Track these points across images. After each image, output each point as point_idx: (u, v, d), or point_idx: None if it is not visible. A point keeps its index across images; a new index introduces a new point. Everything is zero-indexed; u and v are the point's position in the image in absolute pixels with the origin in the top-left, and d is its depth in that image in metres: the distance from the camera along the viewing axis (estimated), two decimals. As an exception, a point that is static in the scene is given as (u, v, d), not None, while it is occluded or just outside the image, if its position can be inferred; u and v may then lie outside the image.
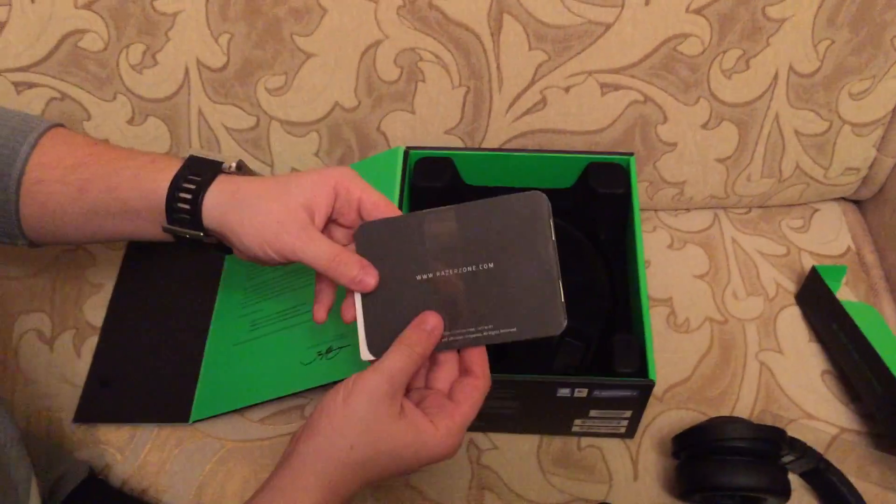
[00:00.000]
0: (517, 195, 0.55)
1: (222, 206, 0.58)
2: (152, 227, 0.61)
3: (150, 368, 0.85)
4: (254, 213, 0.57)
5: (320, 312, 0.61)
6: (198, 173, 0.59)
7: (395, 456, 0.53)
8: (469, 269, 0.55)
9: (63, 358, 0.87)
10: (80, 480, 0.76)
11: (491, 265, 0.55)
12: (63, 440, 0.82)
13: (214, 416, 0.81)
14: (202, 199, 0.58)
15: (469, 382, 0.56)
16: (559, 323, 0.55)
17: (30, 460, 0.64)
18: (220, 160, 0.60)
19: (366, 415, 0.52)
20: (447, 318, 0.56)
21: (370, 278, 0.56)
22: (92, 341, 0.88)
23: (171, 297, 0.90)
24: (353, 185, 0.58)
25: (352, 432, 0.52)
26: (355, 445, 0.52)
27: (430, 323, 0.55)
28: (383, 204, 0.58)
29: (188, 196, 0.58)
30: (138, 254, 0.94)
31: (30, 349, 0.87)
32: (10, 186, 0.61)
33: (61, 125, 0.65)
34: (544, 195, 0.55)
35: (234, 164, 0.61)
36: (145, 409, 0.82)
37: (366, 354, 0.57)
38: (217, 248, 0.63)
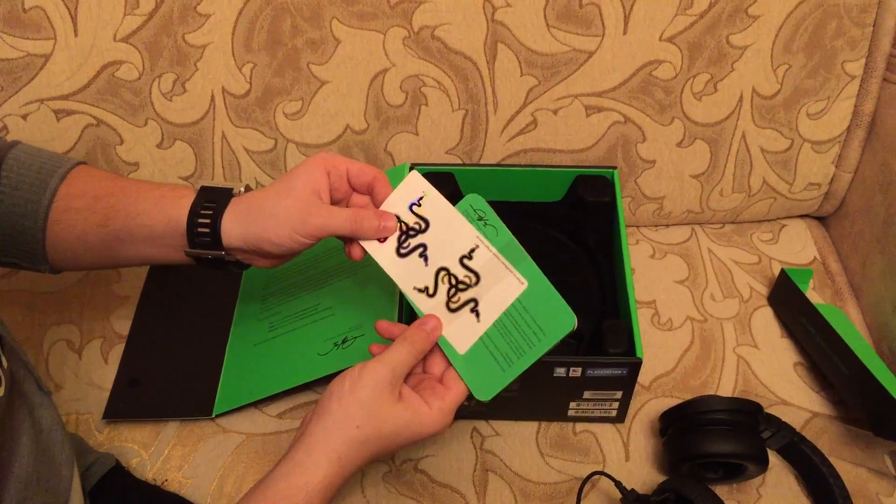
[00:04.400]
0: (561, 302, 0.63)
1: (242, 222, 0.66)
2: (173, 251, 0.69)
3: (174, 369, 0.91)
4: (275, 214, 0.65)
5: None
6: (212, 200, 0.67)
7: (395, 433, 0.61)
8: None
9: (91, 364, 0.92)
10: (107, 471, 0.81)
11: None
12: (91, 439, 0.86)
13: (234, 412, 0.87)
14: (220, 222, 0.66)
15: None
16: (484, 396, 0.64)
17: (71, 445, 0.70)
18: (229, 187, 0.69)
19: (370, 400, 0.60)
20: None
21: (390, 222, 0.66)
22: (119, 349, 0.93)
23: (193, 306, 0.97)
24: (338, 161, 0.67)
25: (358, 414, 0.60)
26: (361, 425, 0.60)
27: (430, 324, 0.65)
28: (367, 168, 0.68)
29: (206, 221, 0.66)
30: (162, 269, 1.00)
31: (59, 357, 0.93)
32: (39, 215, 0.68)
33: (86, 163, 0.73)
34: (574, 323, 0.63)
35: (242, 189, 0.69)
36: (171, 405, 0.88)
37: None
38: (236, 266, 0.71)
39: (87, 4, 0.86)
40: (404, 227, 0.67)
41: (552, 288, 0.64)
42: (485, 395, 0.64)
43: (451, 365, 0.65)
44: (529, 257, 0.65)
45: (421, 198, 0.67)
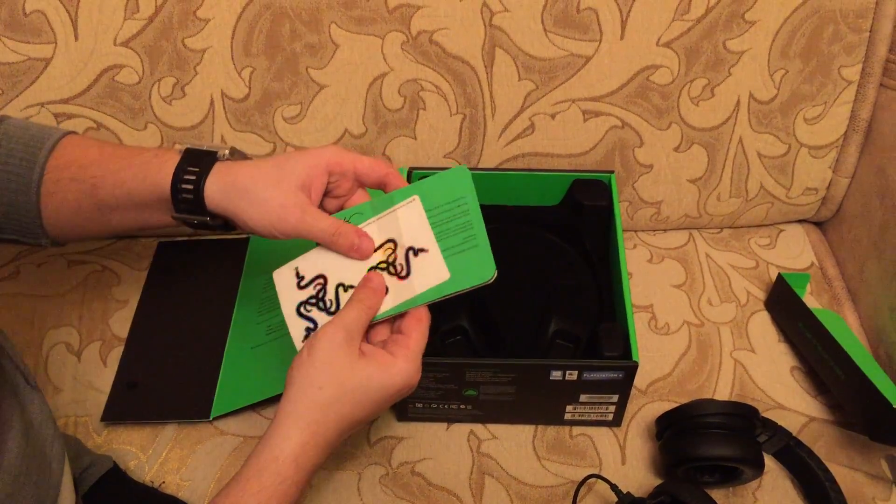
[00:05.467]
0: (440, 174, 0.67)
1: (223, 193, 0.65)
2: (162, 215, 0.68)
3: (172, 372, 0.91)
4: (254, 202, 0.64)
5: None
6: (195, 164, 0.66)
7: (362, 388, 0.61)
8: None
9: (90, 367, 0.92)
10: (105, 472, 0.81)
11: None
12: (89, 441, 0.87)
13: (232, 414, 0.87)
14: (203, 189, 0.65)
15: (412, 316, 0.64)
16: (490, 272, 0.64)
17: (62, 441, 0.70)
18: (214, 149, 0.67)
19: (328, 359, 0.60)
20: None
21: (366, 243, 0.66)
22: (117, 351, 0.93)
23: (191, 309, 0.97)
24: (345, 160, 0.66)
25: (319, 376, 0.60)
26: (323, 386, 0.60)
27: (375, 281, 0.65)
28: (377, 164, 0.67)
29: (190, 187, 0.65)
30: (161, 272, 1.01)
31: (58, 360, 0.93)
32: (32, 189, 0.68)
33: (75, 132, 0.72)
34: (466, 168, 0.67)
35: (227, 152, 0.68)
36: (169, 407, 0.88)
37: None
38: (224, 228, 0.69)
39: (88, 8, 0.86)
40: (312, 301, 0.67)
41: (425, 180, 0.67)
42: (488, 271, 0.63)
43: (408, 316, 0.65)
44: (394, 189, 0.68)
45: (297, 273, 0.68)
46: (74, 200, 0.69)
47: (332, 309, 0.66)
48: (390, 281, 0.65)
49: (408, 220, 0.66)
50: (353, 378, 0.60)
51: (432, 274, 0.65)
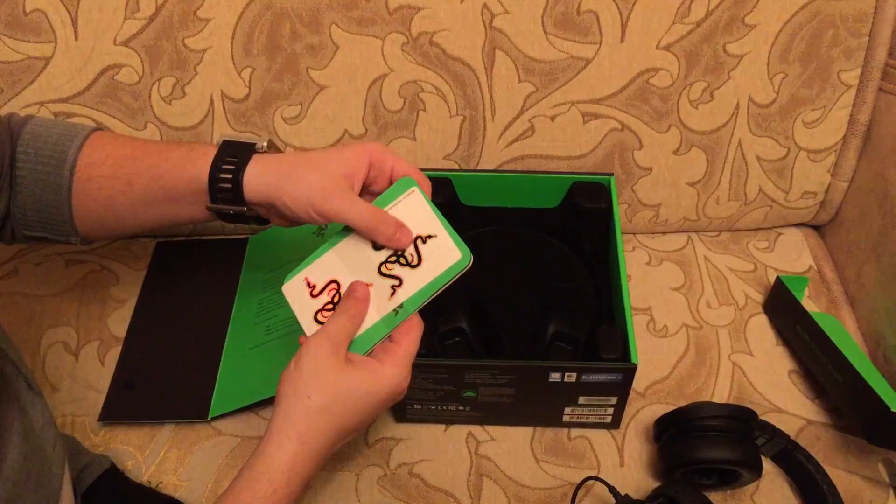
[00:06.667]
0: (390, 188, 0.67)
1: (266, 179, 0.65)
2: (197, 208, 0.68)
3: (170, 372, 0.91)
4: (299, 182, 0.64)
5: None
6: (234, 155, 0.66)
7: (352, 396, 0.61)
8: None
9: (88, 366, 0.92)
10: (102, 471, 0.81)
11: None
12: (86, 441, 0.86)
13: (230, 415, 0.87)
14: (242, 178, 0.65)
15: (404, 324, 0.64)
16: (467, 257, 0.64)
17: (63, 444, 0.70)
18: (252, 141, 0.68)
19: (314, 368, 0.61)
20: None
21: (405, 237, 0.65)
22: (115, 351, 0.93)
23: (189, 309, 0.97)
24: (386, 157, 0.66)
25: (307, 385, 0.60)
26: (312, 395, 0.60)
27: (359, 291, 0.65)
28: (410, 169, 0.67)
29: (228, 176, 0.65)
30: (159, 272, 1.01)
31: (56, 359, 0.93)
32: (62, 187, 0.68)
33: (101, 128, 0.72)
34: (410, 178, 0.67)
35: (265, 144, 0.68)
36: (166, 407, 0.88)
37: None
38: (257, 221, 0.70)
39: (88, 8, 0.86)
40: (329, 307, 0.67)
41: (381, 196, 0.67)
42: (465, 257, 0.64)
43: (400, 325, 0.65)
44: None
45: (307, 283, 0.68)
46: (107, 197, 0.69)
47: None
48: (403, 272, 0.65)
49: (411, 211, 0.66)
50: (341, 385, 0.61)
51: (444, 256, 0.64)
